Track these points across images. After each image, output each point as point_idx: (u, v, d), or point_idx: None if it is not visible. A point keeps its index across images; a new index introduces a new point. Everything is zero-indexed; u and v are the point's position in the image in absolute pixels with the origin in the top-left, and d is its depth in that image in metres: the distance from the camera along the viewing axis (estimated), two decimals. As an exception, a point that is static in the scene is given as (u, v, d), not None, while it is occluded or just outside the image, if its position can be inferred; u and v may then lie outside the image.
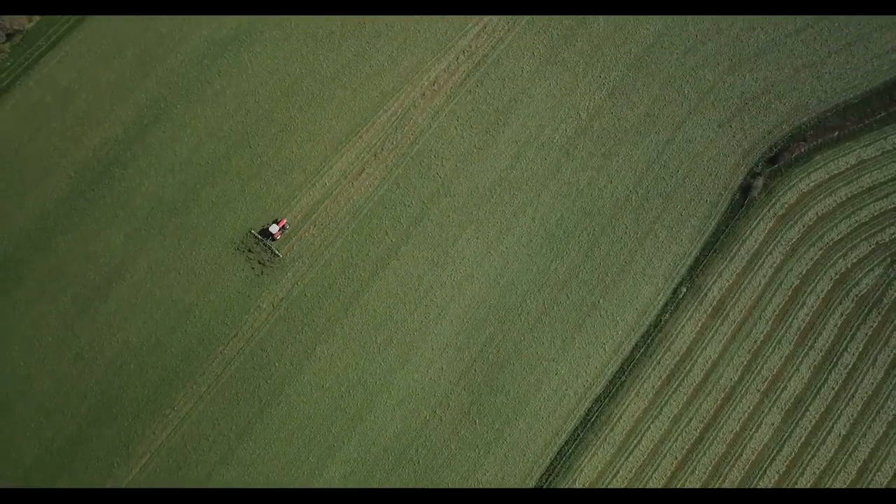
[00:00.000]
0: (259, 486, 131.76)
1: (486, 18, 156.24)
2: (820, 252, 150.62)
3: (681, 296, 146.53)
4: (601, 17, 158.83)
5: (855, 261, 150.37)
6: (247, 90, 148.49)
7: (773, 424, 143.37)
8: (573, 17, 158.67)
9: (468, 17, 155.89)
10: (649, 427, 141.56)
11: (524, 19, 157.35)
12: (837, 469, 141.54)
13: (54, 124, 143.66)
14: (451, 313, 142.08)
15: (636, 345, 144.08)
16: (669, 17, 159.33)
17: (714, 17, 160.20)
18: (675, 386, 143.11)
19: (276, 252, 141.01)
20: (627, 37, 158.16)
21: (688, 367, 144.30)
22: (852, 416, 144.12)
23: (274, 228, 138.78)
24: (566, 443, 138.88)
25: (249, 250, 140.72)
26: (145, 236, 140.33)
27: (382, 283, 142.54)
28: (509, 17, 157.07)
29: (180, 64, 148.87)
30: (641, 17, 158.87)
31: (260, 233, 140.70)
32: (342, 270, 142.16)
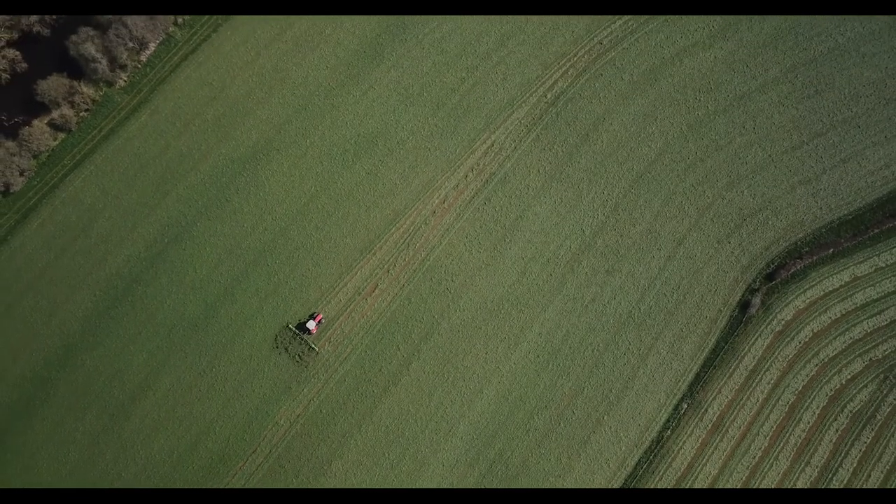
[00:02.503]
0: None
1: (493, 136, 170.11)
2: (815, 368, 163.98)
3: (682, 412, 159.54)
4: (603, 134, 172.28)
5: (849, 377, 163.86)
6: (264, 208, 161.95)
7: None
8: (576, 133, 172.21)
9: (476, 134, 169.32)
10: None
11: (530, 136, 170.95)
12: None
13: (80, 243, 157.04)
14: (462, 429, 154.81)
15: (639, 461, 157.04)
16: (670, 136, 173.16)
17: (713, 134, 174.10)
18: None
19: (314, 346, 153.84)
20: (630, 154, 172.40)
21: (689, 484, 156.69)
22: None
23: (311, 324, 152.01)
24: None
25: (271, 365, 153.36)
26: (167, 353, 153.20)
27: (395, 399, 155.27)
28: (515, 134, 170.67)
29: (199, 182, 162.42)
30: (642, 136, 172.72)
31: (297, 327, 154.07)
32: (356, 386, 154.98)
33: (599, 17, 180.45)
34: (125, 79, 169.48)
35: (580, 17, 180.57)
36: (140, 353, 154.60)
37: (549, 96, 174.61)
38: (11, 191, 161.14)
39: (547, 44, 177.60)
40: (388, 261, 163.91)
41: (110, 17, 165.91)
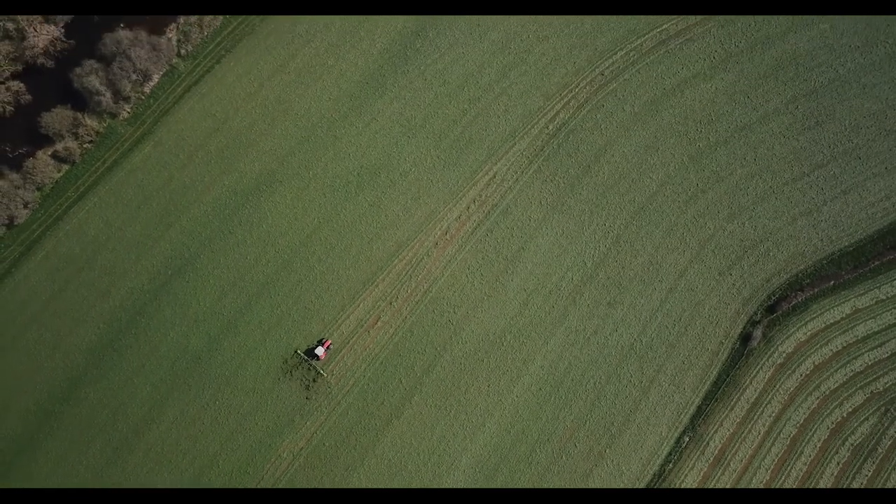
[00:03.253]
0: None
1: (495, 167, 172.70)
2: (817, 401, 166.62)
3: (683, 445, 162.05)
4: (605, 166, 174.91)
5: (850, 410, 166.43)
6: (267, 240, 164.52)
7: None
8: (578, 165, 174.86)
9: (478, 165, 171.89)
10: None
11: (532, 168, 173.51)
12: None
13: (83, 276, 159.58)
14: (464, 463, 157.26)
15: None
16: (672, 167, 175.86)
17: (714, 165, 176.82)
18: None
19: (322, 371, 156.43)
20: (631, 185, 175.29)
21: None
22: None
23: (320, 351, 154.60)
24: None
25: (274, 397, 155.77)
26: (170, 386, 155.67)
27: (397, 432, 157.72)
28: (517, 165, 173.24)
29: (203, 214, 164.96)
30: (644, 167, 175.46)
31: (305, 353, 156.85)
32: (359, 419, 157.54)
33: (600, 51, 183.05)
34: (129, 111, 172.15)
35: (581, 49, 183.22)
36: (144, 386, 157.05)
37: (550, 128, 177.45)
38: (15, 223, 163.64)
39: (549, 75, 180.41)
40: (391, 293, 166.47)
41: (114, 49, 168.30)
